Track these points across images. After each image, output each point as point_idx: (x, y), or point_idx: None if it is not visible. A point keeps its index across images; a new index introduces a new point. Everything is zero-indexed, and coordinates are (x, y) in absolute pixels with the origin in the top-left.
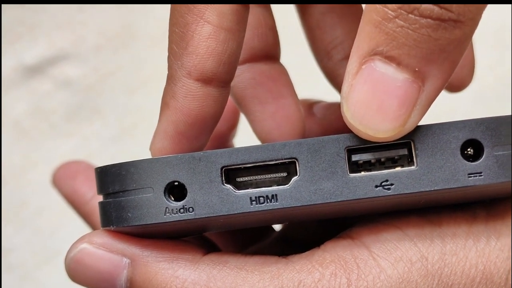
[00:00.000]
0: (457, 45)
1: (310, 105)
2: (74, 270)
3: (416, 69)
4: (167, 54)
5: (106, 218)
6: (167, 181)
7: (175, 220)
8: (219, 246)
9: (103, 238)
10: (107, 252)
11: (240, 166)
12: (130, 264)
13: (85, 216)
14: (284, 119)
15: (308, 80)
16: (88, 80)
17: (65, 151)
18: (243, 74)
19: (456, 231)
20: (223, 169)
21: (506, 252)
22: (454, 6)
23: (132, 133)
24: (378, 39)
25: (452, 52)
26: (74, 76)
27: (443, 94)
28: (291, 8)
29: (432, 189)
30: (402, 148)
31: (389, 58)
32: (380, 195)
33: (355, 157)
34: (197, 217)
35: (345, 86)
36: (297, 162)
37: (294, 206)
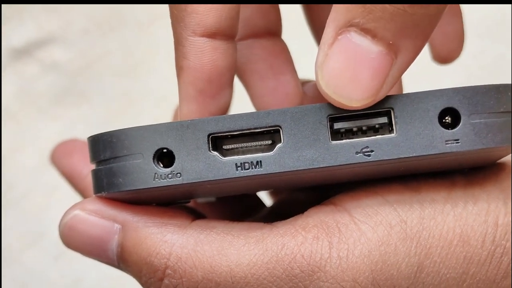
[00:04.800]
0: (430, 21)
1: (301, 84)
2: (67, 236)
3: (390, 42)
4: (154, 38)
5: (98, 185)
6: (156, 148)
7: (163, 185)
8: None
9: (95, 204)
10: (99, 218)
11: (227, 133)
12: (121, 229)
13: (82, 192)
14: (283, 95)
15: (306, 58)
16: (76, 64)
17: (52, 135)
18: (245, 50)
19: (435, 197)
20: (210, 136)
21: (483, 217)
22: None
23: (119, 117)
24: (355, 11)
25: (426, 27)
26: (61, 60)
27: (430, 82)
28: None
29: (410, 156)
30: (383, 116)
31: (365, 31)
32: (360, 161)
33: (337, 125)
34: (184, 182)
35: (320, 56)
36: (281, 130)
37: (278, 172)
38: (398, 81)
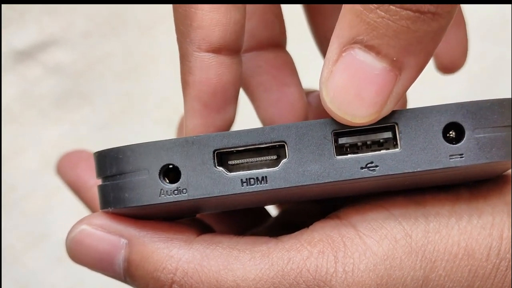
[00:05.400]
0: (433, 37)
1: (305, 95)
2: (74, 251)
3: (394, 59)
4: (156, 40)
5: (105, 200)
6: (162, 164)
7: (169, 201)
8: (216, 231)
9: (101, 219)
10: (106, 233)
11: (232, 149)
12: (127, 244)
13: (87, 202)
14: (287, 107)
15: (311, 68)
16: (78, 66)
17: (54, 137)
18: (249, 62)
19: (439, 211)
20: (215, 152)
21: (488, 230)
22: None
23: (121, 119)
24: (359, 28)
25: (429, 44)
26: (63, 62)
27: (432, 84)
28: None
29: (415, 170)
30: (387, 131)
31: (369, 47)
32: (365, 176)
33: (341, 140)
34: (190, 198)
35: (324, 72)
36: (286, 145)
37: (283, 188)
38: (402, 97)
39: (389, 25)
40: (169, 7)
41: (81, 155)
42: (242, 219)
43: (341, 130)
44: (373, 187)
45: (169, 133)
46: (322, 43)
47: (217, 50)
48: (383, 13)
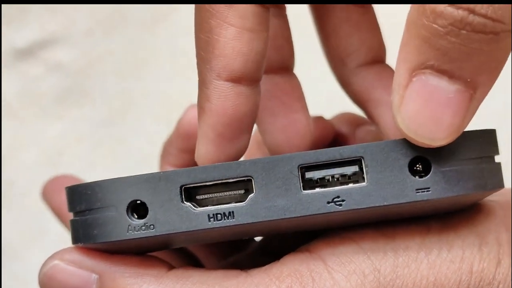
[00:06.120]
0: (506, 52)
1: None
2: (47, 286)
3: (468, 80)
4: (157, 38)
5: (75, 235)
6: (129, 200)
7: (137, 237)
8: (199, 257)
9: (73, 255)
10: (77, 269)
11: (199, 184)
12: (98, 279)
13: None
14: (293, 133)
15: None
16: (79, 64)
17: (54, 134)
18: None
19: (409, 244)
20: (183, 188)
21: (457, 264)
22: (506, 17)
23: (121, 116)
24: (428, 54)
25: (503, 59)
26: (64, 60)
27: None
28: (304, 15)
29: (381, 205)
30: (353, 165)
31: (441, 72)
32: (331, 210)
33: (308, 175)
34: (157, 234)
35: (395, 98)
36: (253, 180)
37: (249, 223)
38: (476, 111)
39: (461, 49)
40: (170, 5)
41: (67, 180)
42: (224, 245)
43: (307, 164)
44: (342, 220)
45: (168, 131)
46: (336, 65)
47: (237, 79)
48: (453, 39)
